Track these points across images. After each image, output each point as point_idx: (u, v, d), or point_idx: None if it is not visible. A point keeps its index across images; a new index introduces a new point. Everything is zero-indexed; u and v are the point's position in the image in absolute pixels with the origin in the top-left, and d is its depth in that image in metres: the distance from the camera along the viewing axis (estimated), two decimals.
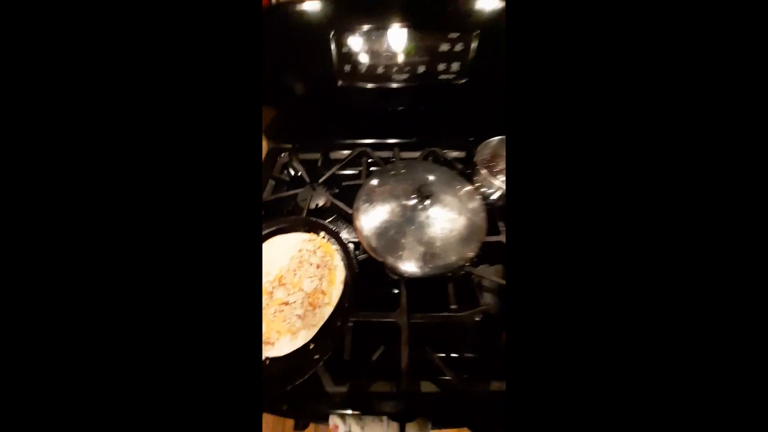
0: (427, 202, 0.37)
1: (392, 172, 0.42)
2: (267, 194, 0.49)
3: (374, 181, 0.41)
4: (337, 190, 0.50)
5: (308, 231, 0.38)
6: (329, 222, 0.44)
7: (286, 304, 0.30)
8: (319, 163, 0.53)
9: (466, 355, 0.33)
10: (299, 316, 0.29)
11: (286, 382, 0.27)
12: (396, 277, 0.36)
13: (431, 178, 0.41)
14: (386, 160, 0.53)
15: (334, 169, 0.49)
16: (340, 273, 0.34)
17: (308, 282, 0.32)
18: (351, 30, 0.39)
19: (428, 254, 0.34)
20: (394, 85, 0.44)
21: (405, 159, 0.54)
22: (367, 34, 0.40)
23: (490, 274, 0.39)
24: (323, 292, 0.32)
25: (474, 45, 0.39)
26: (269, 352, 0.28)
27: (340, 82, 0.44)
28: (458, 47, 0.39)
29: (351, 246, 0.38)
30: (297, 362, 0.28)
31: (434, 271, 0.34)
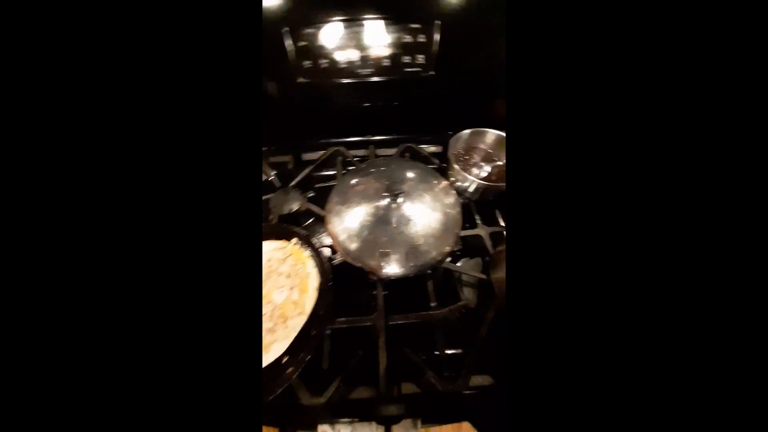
0: (400, 199, 0.36)
1: (365, 172, 0.41)
2: None
3: (347, 182, 0.40)
4: (312, 194, 0.49)
5: (278, 238, 0.36)
6: (305, 227, 0.43)
7: None
8: (291, 166, 0.51)
9: (447, 352, 0.33)
10: (269, 330, 0.28)
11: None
12: (374, 279, 0.35)
13: (405, 175, 0.40)
14: (363, 159, 0.52)
15: (307, 171, 0.48)
16: (313, 280, 0.33)
17: (278, 293, 0.31)
18: (307, 24, 0.37)
19: (406, 253, 0.33)
20: (360, 80, 0.43)
21: (381, 156, 0.53)
22: (325, 28, 0.38)
23: (469, 269, 0.39)
24: (295, 303, 0.30)
25: (437, 36, 0.38)
26: None
27: (300, 79, 0.42)
28: (421, 38, 0.38)
29: (327, 251, 0.37)
30: (271, 377, 0.27)
31: (413, 270, 0.34)
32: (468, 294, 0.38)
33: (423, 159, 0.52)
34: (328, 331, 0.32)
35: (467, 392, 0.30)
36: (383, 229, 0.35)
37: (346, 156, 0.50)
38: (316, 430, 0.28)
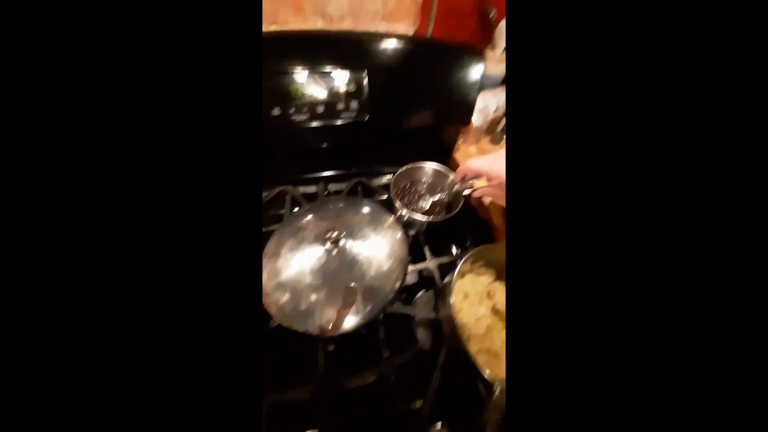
0: (343, 242, 0.35)
1: (304, 217, 0.40)
2: None
3: (283, 231, 0.38)
4: None
5: None
6: None
7: None
8: None
9: (409, 405, 0.30)
10: None
11: None
12: (317, 337, 0.32)
13: (351, 215, 0.39)
14: (312, 196, 0.50)
15: None
16: None
17: None
18: None
19: (358, 299, 0.32)
20: (297, 126, 0.43)
21: (332, 193, 0.52)
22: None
23: (423, 305, 0.38)
24: None
25: (365, 82, 0.40)
26: None
27: None
28: (351, 87, 0.40)
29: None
30: None
31: (368, 315, 0.32)
32: (421, 335, 0.36)
33: (374, 192, 0.52)
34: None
35: None
36: (328, 279, 0.33)
37: (294, 195, 0.49)
38: None
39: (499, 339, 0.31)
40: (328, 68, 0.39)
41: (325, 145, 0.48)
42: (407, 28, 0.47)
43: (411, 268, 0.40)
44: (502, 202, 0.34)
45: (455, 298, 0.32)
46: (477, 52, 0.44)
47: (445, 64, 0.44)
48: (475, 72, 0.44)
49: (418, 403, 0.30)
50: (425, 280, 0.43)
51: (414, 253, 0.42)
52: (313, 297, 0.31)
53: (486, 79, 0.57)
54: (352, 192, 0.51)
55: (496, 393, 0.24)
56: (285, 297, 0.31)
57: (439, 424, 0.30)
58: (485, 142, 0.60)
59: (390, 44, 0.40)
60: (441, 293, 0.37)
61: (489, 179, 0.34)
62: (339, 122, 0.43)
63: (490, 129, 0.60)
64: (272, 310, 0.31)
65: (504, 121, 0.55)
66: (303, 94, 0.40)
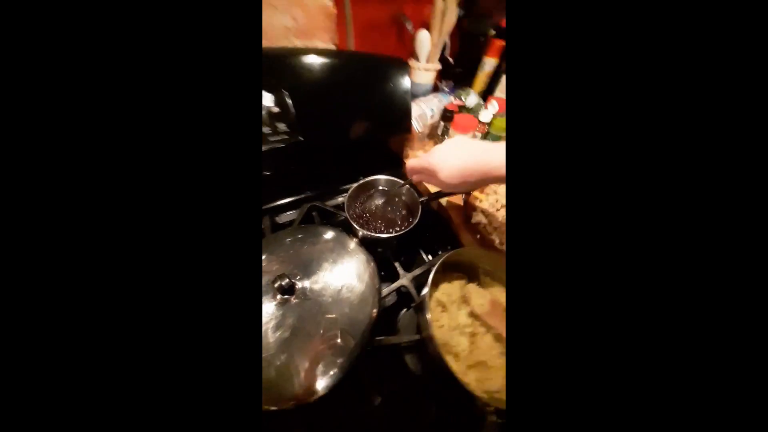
0: (301, 285, 0.30)
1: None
2: None
3: None
4: None
5: None
6: None
7: None
8: None
9: None
10: None
11: None
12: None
13: (306, 248, 0.35)
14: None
15: None
16: None
17: None
18: None
19: (328, 352, 0.27)
20: None
21: (283, 224, 0.46)
22: None
23: (406, 331, 0.36)
24: None
25: (290, 102, 0.37)
26: None
27: None
28: (274, 108, 0.36)
29: None
30: None
31: (346, 363, 0.27)
32: (411, 362, 0.34)
33: (332, 215, 0.48)
34: None
35: None
36: (292, 339, 0.27)
37: None
38: None
39: (484, 344, 0.30)
40: None
41: (268, 172, 0.43)
42: (325, 44, 0.45)
43: (386, 289, 0.37)
44: (437, 186, 0.33)
45: (432, 314, 0.30)
46: (402, 63, 0.45)
47: (373, 76, 0.43)
48: (404, 81, 0.45)
49: None
50: (404, 297, 0.41)
51: (386, 271, 0.40)
52: (276, 362, 0.26)
53: (416, 87, 0.59)
54: (307, 219, 0.46)
55: (491, 418, 0.23)
56: None
57: None
58: (430, 145, 0.63)
59: (312, 59, 0.38)
60: (419, 309, 0.35)
61: (427, 171, 0.33)
62: (269, 147, 0.39)
63: (432, 133, 0.62)
64: None
65: (442, 124, 0.58)
66: None
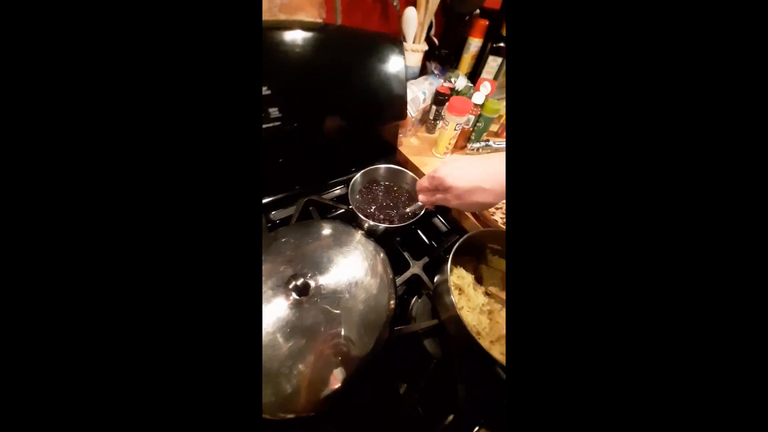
0: (314, 282, 0.28)
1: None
2: None
3: None
4: None
5: None
6: None
7: None
8: None
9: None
10: None
11: None
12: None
13: (309, 245, 0.32)
14: None
15: None
16: None
17: None
18: None
19: (347, 352, 0.26)
20: None
21: (276, 226, 0.43)
22: None
23: (422, 318, 0.36)
24: None
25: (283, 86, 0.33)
26: None
27: None
28: (265, 92, 0.32)
29: None
30: None
31: (367, 356, 0.26)
32: (431, 346, 0.34)
33: (331, 208, 0.46)
34: None
35: None
36: (310, 338, 0.26)
37: None
38: None
39: (501, 319, 0.31)
40: None
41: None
42: (313, 20, 0.41)
43: (399, 279, 0.37)
44: (449, 204, 0.30)
45: (454, 297, 0.30)
46: (396, 40, 0.42)
47: (367, 54, 0.40)
48: (398, 62, 0.43)
49: (451, 417, 0.28)
50: (414, 286, 0.41)
51: (394, 261, 0.39)
52: (297, 368, 0.24)
53: (408, 70, 0.57)
54: (304, 215, 0.43)
55: None
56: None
57: (476, 429, 0.28)
58: (422, 131, 0.62)
59: (302, 35, 0.34)
60: (436, 295, 0.36)
61: (441, 187, 0.30)
62: (266, 133, 0.35)
63: (424, 118, 0.61)
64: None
65: (434, 108, 0.57)
66: None
